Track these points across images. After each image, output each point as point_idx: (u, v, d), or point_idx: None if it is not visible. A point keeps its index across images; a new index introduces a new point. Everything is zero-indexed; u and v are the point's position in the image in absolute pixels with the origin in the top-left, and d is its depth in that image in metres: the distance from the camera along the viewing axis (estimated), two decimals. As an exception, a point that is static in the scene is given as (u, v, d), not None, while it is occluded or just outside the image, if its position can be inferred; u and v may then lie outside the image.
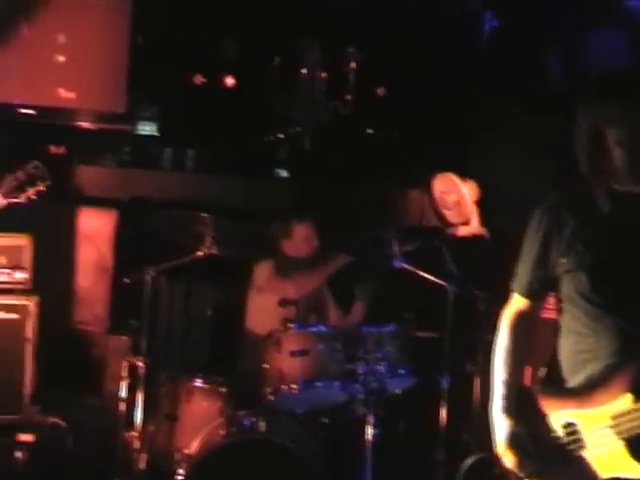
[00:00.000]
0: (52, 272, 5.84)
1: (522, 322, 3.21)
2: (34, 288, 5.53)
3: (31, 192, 4.34)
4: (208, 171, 7.20)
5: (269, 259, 5.72)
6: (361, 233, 5.66)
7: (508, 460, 3.04)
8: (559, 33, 6.24)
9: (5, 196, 4.29)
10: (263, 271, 5.69)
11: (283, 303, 5.18)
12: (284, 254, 5.73)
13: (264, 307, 5.54)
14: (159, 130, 7.28)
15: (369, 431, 4.90)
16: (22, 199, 4.33)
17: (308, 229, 5.70)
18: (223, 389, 5.09)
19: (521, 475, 3.02)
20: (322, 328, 5.08)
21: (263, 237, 5.63)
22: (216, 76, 7.21)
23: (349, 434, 5.13)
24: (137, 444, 5.16)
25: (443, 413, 5.30)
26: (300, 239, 5.69)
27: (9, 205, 4.29)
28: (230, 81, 7.25)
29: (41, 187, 4.36)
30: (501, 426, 3.09)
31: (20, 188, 4.31)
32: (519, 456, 3.01)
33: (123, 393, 5.27)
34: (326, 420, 5.20)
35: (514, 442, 3.04)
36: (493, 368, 3.19)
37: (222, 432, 4.89)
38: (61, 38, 6.35)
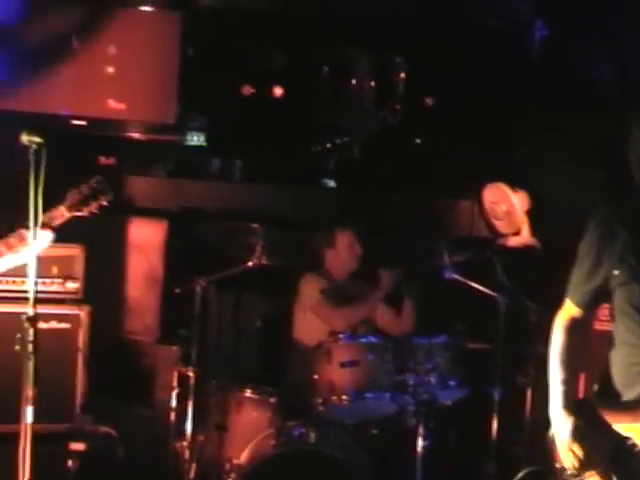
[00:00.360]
0: (103, 282, 5.87)
1: (576, 326, 3.20)
2: (85, 298, 5.57)
3: (94, 206, 4.35)
4: (256, 181, 7.22)
5: (315, 275, 5.71)
6: (411, 243, 5.64)
7: (575, 457, 2.99)
8: (610, 38, 6.19)
9: (69, 210, 4.32)
10: (310, 291, 5.61)
11: (333, 335, 5.14)
12: (328, 267, 5.73)
13: (312, 323, 5.54)
14: (207, 140, 7.31)
15: (419, 443, 4.89)
16: (85, 213, 4.35)
17: (351, 237, 5.69)
18: (273, 399, 5.09)
19: (588, 470, 2.98)
20: (372, 339, 5.06)
21: (308, 247, 5.62)
22: (264, 86, 7.24)
23: (399, 445, 5.11)
24: (187, 454, 5.18)
25: (494, 425, 5.26)
26: (343, 248, 5.68)
27: (72, 219, 4.33)
28: (278, 91, 7.27)
29: (103, 201, 4.37)
30: (564, 424, 3.05)
31: (83, 202, 4.33)
32: (587, 448, 2.97)
33: (173, 403, 5.29)
34: (376, 431, 5.17)
35: (580, 435, 3.00)
36: (549, 371, 3.16)
37: (272, 442, 4.90)
38: (112, 50, 6.41)
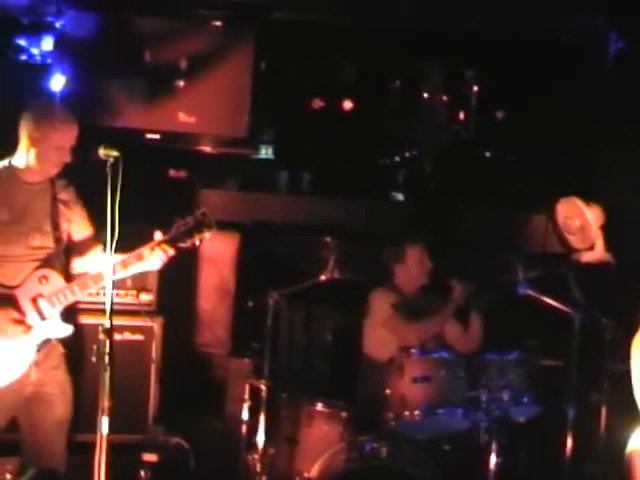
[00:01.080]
0: (176, 294, 5.92)
1: None
2: (159, 310, 5.62)
3: (197, 238, 4.40)
4: (325, 194, 7.23)
5: (385, 289, 5.68)
6: (483, 257, 5.58)
7: None
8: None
9: (173, 240, 4.36)
10: (381, 305, 5.59)
11: (405, 350, 5.11)
12: (398, 281, 5.71)
13: (382, 337, 5.51)
14: (277, 153, 7.35)
15: (492, 459, 4.84)
16: (188, 244, 4.40)
17: (420, 252, 5.67)
18: (344, 414, 5.07)
19: None
20: (444, 354, 5.02)
21: (379, 261, 5.60)
22: (334, 100, 7.26)
23: (471, 462, 5.07)
24: (258, 467, 5.18)
25: (568, 443, 5.18)
26: (413, 262, 5.66)
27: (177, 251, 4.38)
28: (348, 105, 7.28)
29: (206, 234, 4.41)
30: None
31: (187, 234, 4.37)
32: None
33: (245, 415, 5.30)
34: (448, 447, 5.14)
35: None
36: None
37: (343, 457, 4.88)
38: (183, 64, 6.47)
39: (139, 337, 5.49)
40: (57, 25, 6.45)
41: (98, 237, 4.37)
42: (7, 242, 4.24)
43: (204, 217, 4.41)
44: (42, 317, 4.29)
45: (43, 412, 4.41)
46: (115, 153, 3.90)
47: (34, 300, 4.28)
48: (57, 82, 6.39)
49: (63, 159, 4.34)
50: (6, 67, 6.53)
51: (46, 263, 4.34)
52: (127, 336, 5.42)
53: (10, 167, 4.36)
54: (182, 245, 4.41)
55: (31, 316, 4.27)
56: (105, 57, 6.42)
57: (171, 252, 4.37)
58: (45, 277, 4.30)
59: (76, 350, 5.28)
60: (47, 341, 4.37)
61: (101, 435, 3.70)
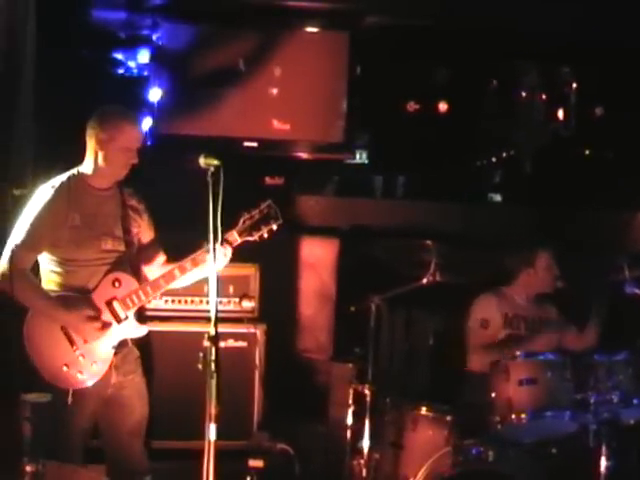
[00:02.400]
0: (277, 301, 5.95)
1: None
2: (261, 317, 5.65)
3: (264, 231, 4.47)
4: (422, 198, 7.19)
5: (492, 296, 5.61)
6: (594, 259, 5.49)
7: None
8: None
9: (240, 235, 4.43)
10: (488, 311, 5.54)
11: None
12: (520, 285, 5.63)
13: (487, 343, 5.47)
14: (372, 158, 7.33)
15: (602, 463, 4.74)
16: (255, 237, 4.46)
17: (549, 257, 5.58)
18: (448, 417, 5.03)
19: None
20: (550, 356, 4.92)
21: (498, 265, 5.53)
22: (429, 102, 7.22)
23: (579, 466, 4.97)
24: (363, 472, 5.17)
25: (681, 446, 5.06)
26: (541, 268, 5.57)
27: (243, 244, 4.44)
28: (443, 107, 7.23)
29: (274, 226, 4.48)
30: None
31: (254, 227, 4.44)
32: None
33: (349, 420, 5.29)
34: (555, 451, 5.06)
35: None
36: None
37: (448, 461, 4.85)
38: (277, 71, 6.51)
39: (242, 344, 5.53)
40: (153, 38, 6.55)
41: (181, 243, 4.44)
42: (79, 246, 4.33)
43: (270, 209, 4.48)
44: (117, 320, 4.38)
45: (123, 416, 4.49)
46: (216, 162, 3.93)
47: (108, 303, 4.37)
48: (154, 94, 6.49)
49: (130, 160, 4.42)
50: (103, 81, 6.66)
51: (118, 266, 4.42)
52: (231, 343, 5.47)
53: (79, 175, 4.45)
54: (250, 238, 4.47)
55: (106, 319, 4.35)
56: (200, 67, 6.50)
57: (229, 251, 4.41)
58: (118, 280, 4.39)
59: (181, 358, 5.40)
60: (124, 345, 4.45)
61: (209, 442, 3.72)
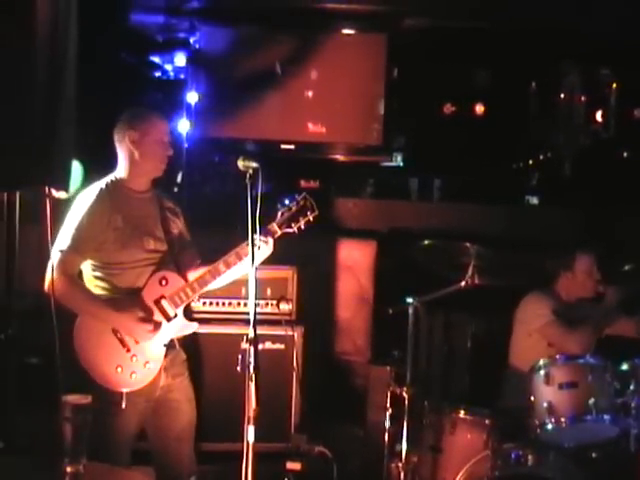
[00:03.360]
0: (315, 303, 5.94)
1: None
2: (298, 319, 5.65)
3: (302, 222, 4.53)
4: (459, 200, 7.16)
5: (542, 294, 5.56)
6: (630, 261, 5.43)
7: None
8: None
9: (280, 227, 4.48)
10: (540, 310, 5.44)
11: (549, 356, 5.00)
12: (559, 288, 5.60)
13: (536, 344, 5.39)
14: (408, 160, 7.33)
15: (645, 468, 4.70)
16: (294, 229, 4.52)
17: (590, 261, 5.53)
18: (487, 421, 4.99)
19: None
20: (591, 359, 4.88)
21: (537, 268, 5.50)
22: (466, 104, 7.20)
23: (620, 471, 4.92)
24: (401, 475, 5.15)
25: None
26: (580, 272, 5.53)
27: (282, 236, 4.48)
28: (480, 109, 7.22)
29: (310, 218, 4.54)
30: None
31: (292, 219, 4.50)
32: None
33: (387, 423, 5.28)
34: (596, 455, 4.99)
35: None
36: None
37: (488, 465, 4.81)
38: (314, 74, 6.52)
39: (280, 346, 5.52)
40: (190, 41, 6.59)
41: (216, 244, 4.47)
42: (125, 247, 4.36)
43: (306, 201, 4.55)
44: (167, 318, 4.40)
45: (170, 420, 4.51)
46: (254, 164, 3.95)
47: (157, 302, 4.39)
48: (191, 97, 6.52)
49: (166, 152, 4.48)
50: (142, 84, 6.70)
51: (163, 265, 4.45)
52: (268, 346, 5.47)
53: (116, 180, 4.49)
54: (289, 230, 4.53)
55: (156, 318, 4.38)
56: (237, 70, 6.53)
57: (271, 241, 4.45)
58: (165, 278, 4.42)
59: (220, 360, 5.41)
60: (172, 347, 4.47)
61: (248, 444, 3.72)
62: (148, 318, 4.33)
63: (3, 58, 3.28)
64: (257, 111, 6.51)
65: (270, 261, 4.52)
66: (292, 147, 6.48)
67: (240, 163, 3.99)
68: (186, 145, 6.56)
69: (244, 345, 3.81)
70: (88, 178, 4.54)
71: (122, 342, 4.31)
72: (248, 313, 3.82)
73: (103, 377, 4.27)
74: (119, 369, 4.28)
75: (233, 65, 6.58)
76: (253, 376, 3.71)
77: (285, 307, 5.60)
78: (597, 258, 5.52)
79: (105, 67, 5.99)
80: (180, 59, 6.92)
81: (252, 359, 3.72)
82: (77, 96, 3.95)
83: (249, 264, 3.89)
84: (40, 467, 3.30)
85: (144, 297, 4.37)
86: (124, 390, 4.27)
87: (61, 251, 4.28)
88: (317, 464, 5.37)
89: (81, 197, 4.40)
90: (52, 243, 4.15)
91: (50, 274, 4.19)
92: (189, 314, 4.76)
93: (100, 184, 4.46)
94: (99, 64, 5.74)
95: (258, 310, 3.92)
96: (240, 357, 3.78)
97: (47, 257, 4.11)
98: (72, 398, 3.21)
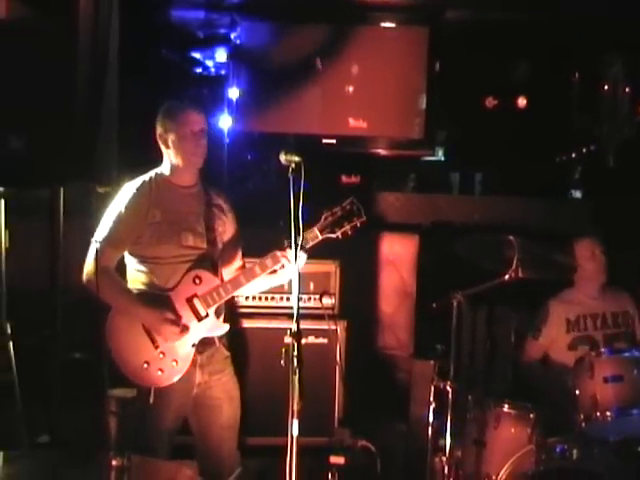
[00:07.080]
0: (357, 297, 5.94)
1: None
2: (341, 313, 5.65)
3: (347, 228, 4.45)
4: (501, 193, 7.13)
5: (562, 302, 5.63)
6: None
7: None
8: None
9: (321, 232, 4.42)
10: (555, 319, 5.56)
11: (595, 349, 4.99)
12: (577, 283, 5.61)
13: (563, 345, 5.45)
14: (451, 153, 7.31)
15: (692, 463, 4.65)
16: (338, 234, 4.45)
17: (588, 246, 5.58)
18: (532, 415, 4.95)
19: None
20: (636, 353, 4.84)
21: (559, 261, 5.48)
22: (508, 98, 7.16)
23: (667, 465, 4.87)
24: (445, 469, 5.13)
25: None
26: (582, 258, 5.57)
27: (324, 240, 4.43)
28: (522, 102, 7.18)
29: (357, 223, 4.47)
30: None
31: (337, 224, 4.44)
32: None
33: (430, 418, 5.26)
34: (641, 449, 4.97)
35: None
36: None
37: (532, 459, 4.77)
38: (354, 68, 6.52)
39: (323, 340, 5.53)
40: (231, 37, 6.60)
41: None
42: (160, 242, 4.34)
43: (353, 206, 4.46)
44: (198, 317, 4.39)
45: (210, 417, 4.49)
46: (297, 159, 3.93)
47: (189, 300, 4.37)
48: (232, 92, 6.55)
49: (201, 141, 4.41)
50: (183, 80, 6.74)
51: (199, 264, 4.42)
52: (312, 340, 5.48)
53: (160, 174, 4.48)
54: (332, 235, 4.45)
55: (186, 317, 4.36)
56: (278, 65, 6.54)
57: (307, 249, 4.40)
58: (199, 277, 4.39)
59: (263, 354, 5.44)
60: (210, 344, 4.46)
61: (292, 438, 3.73)
62: (177, 320, 4.30)
63: (46, 57, 3.32)
64: (298, 106, 6.53)
65: (313, 255, 4.51)
66: (333, 142, 6.49)
67: (282, 157, 3.97)
68: (227, 141, 6.58)
69: (287, 339, 3.80)
70: (132, 174, 4.56)
71: (152, 338, 4.31)
72: (291, 307, 3.80)
73: (132, 372, 4.28)
74: (146, 364, 4.29)
75: (274, 60, 6.60)
76: (297, 370, 3.71)
77: (328, 301, 5.59)
78: (599, 242, 5.50)
79: (147, 64, 6.03)
80: (221, 55, 6.95)
81: (296, 353, 3.73)
82: (119, 93, 4.00)
83: (293, 259, 3.86)
84: (85, 461, 3.33)
85: (177, 295, 4.36)
86: (152, 386, 4.27)
87: (98, 243, 4.28)
88: (361, 458, 5.36)
89: (123, 190, 4.42)
90: (94, 238, 4.20)
91: (88, 266, 4.24)
92: (233, 308, 4.76)
93: (144, 177, 4.46)
94: (141, 61, 5.78)
95: (301, 304, 3.92)
96: (284, 351, 3.75)
97: (91, 253, 4.16)
98: (118, 392, 3.23)
